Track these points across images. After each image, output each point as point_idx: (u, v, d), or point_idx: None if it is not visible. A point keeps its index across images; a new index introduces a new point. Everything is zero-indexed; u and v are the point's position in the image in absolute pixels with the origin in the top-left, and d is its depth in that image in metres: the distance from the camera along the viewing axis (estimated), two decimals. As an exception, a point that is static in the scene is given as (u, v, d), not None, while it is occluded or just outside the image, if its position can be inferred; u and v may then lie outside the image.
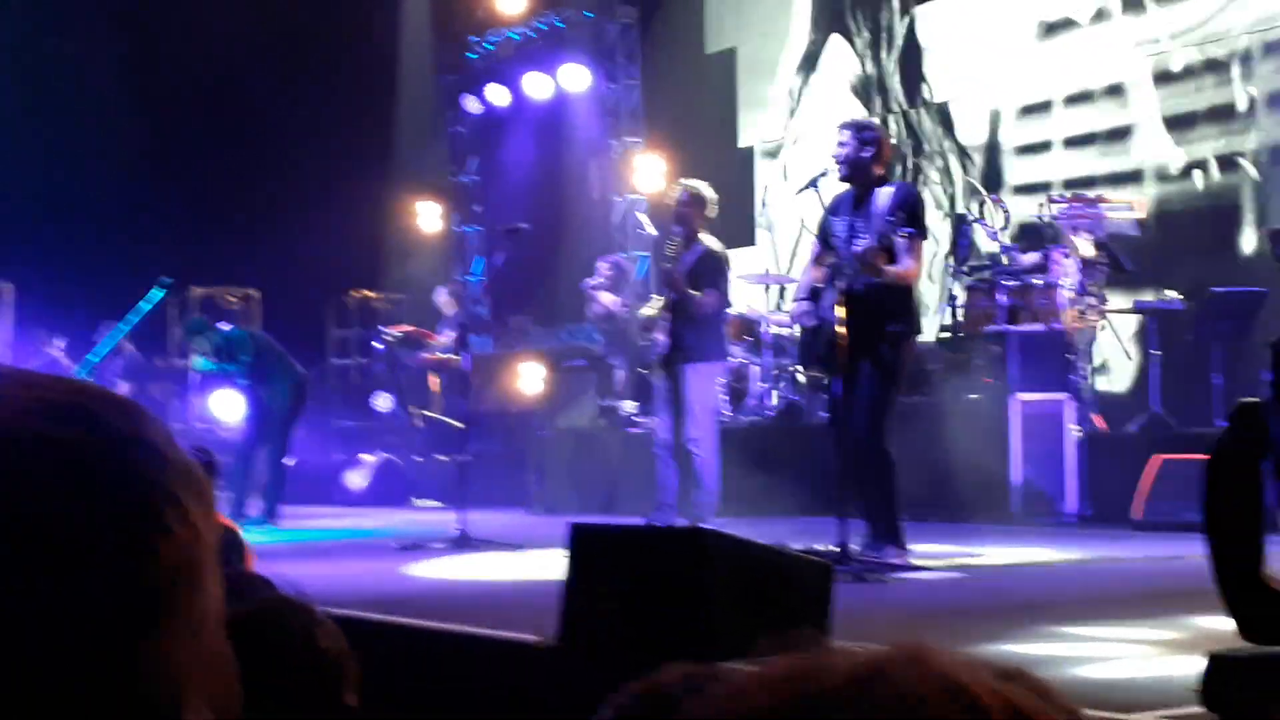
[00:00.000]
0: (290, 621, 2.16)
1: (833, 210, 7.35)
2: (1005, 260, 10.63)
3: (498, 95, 17.28)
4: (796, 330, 11.23)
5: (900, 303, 7.05)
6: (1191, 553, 6.53)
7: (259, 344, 10.87)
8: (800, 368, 10.54)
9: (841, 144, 7.21)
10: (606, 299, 12.86)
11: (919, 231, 6.99)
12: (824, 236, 7.36)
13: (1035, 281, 10.37)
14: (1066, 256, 10.39)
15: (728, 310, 9.70)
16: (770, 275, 12.41)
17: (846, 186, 7.33)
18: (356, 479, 13.91)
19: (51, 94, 16.12)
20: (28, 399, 0.72)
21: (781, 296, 11.96)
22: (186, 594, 0.73)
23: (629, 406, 12.14)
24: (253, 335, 10.92)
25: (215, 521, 0.77)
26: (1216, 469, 3.93)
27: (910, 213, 6.98)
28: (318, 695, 2.13)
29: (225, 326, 10.98)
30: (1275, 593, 3.48)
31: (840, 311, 6.89)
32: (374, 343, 16.62)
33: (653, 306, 9.25)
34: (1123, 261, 10.81)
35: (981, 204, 11.43)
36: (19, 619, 0.68)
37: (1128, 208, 11.53)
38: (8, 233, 15.50)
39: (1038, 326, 9.99)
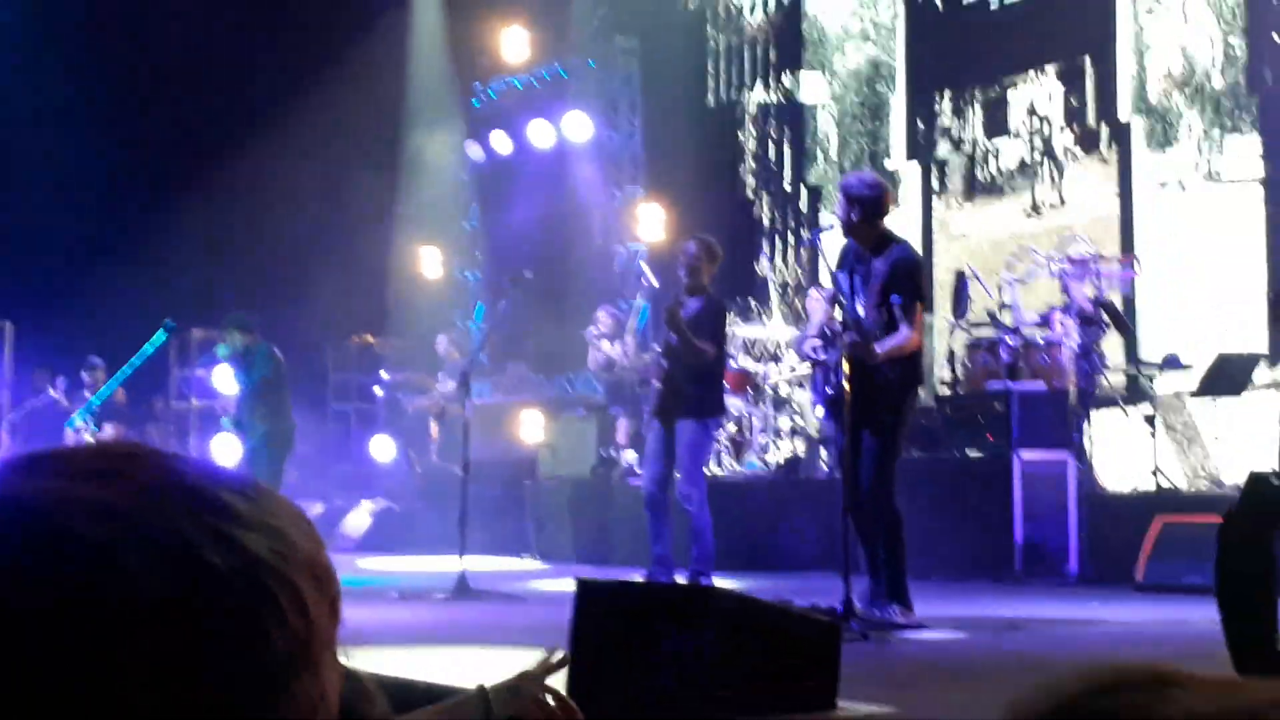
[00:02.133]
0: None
1: (840, 263, 7.33)
2: (1006, 318, 10.67)
3: (501, 143, 17.34)
4: (801, 371, 11.27)
5: (902, 362, 7.04)
6: (1196, 617, 6.54)
7: (278, 371, 10.85)
8: (816, 411, 10.54)
9: (841, 204, 7.22)
10: (607, 348, 12.85)
11: (915, 299, 6.96)
12: (834, 287, 7.36)
13: (1038, 339, 10.39)
14: (1068, 315, 10.42)
15: (728, 363, 9.67)
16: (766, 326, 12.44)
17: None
18: (355, 525, 13.87)
19: (53, 133, 16.15)
20: (164, 482, 0.73)
21: (778, 351, 12.00)
22: (297, 682, 0.73)
23: (629, 457, 12.13)
24: (277, 361, 10.88)
25: (333, 609, 0.77)
26: (1228, 538, 3.93)
27: (906, 279, 6.97)
28: None
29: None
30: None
31: (846, 368, 6.89)
32: (375, 387, 16.61)
33: (650, 357, 9.19)
34: (1124, 321, 10.84)
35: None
36: (135, 702, 0.68)
37: (1127, 266, 11.58)
38: (7, 271, 15.50)
39: (1040, 384, 10.00)
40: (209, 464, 0.78)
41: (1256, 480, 3.84)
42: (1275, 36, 11.57)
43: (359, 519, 13.91)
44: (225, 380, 11.50)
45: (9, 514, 0.70)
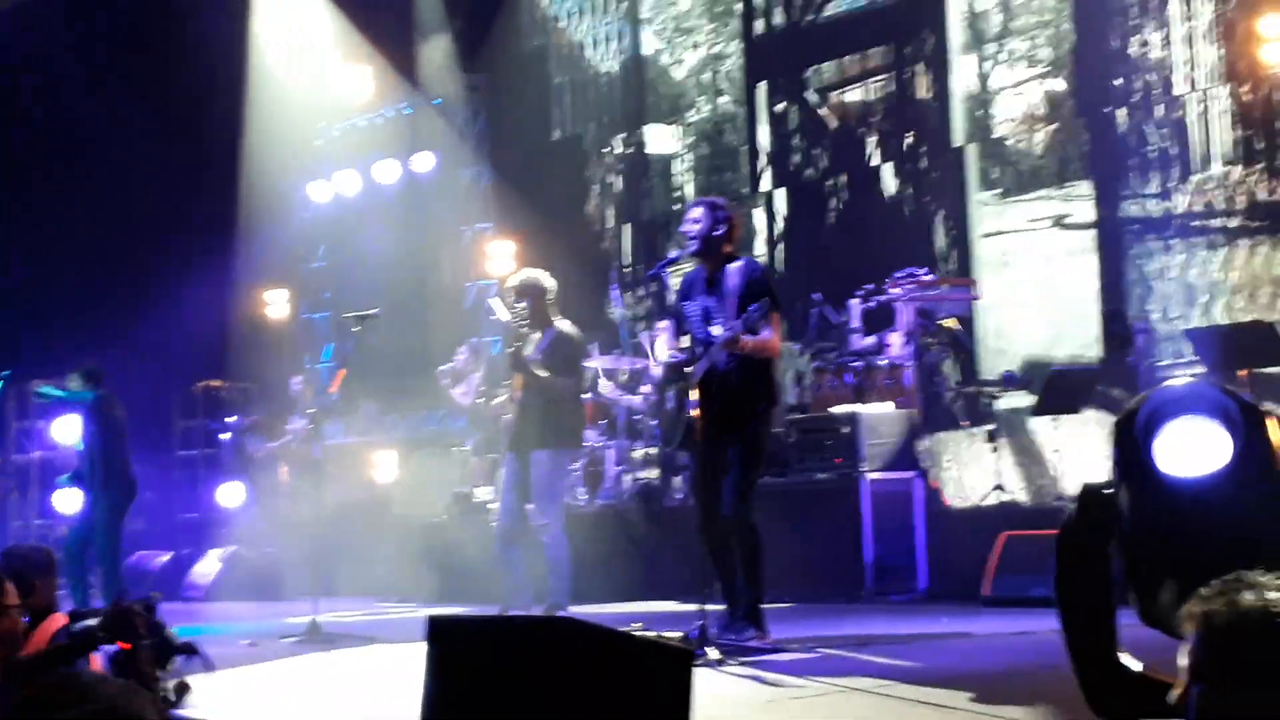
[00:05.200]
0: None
1: (685, 293, 7.41)
2: (850, 342, 10.85)
3: (348, 182, 17.20)
4: (654, 404, 11.33)
5: (760, 377, 7.13)
6: (1040, 628, 6.68)
7: (118, 420, 10.74)
8: (663, 447, 10.59)
9: (695, 220, 7.29)
10: (460, 386, 12.79)
11: (774, 305, 7.06)
12: (678, 319, 7.43)
13: (880, 362, 10.59)
14: (902, 337, 10.63)
15: (582, 395, 9.68)
16: (621, 358, 12.48)
17: (695, 267, 7.41)
18: (204, 573, 13.59)
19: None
20: None
21: (630, 382, 12.06)
22: None
23: (482, 493, 12.06)
24: (115, 409, 10.79)
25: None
26: (1065, 551, 4.01)
27: (762, 287, 7.08)
28: None
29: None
30: (1127, 672, 3.57)
31: (695, 394, 6.93)
32: (221, 433, 16.30)
33: (505, 392, 9.19)
34: (962, 341, 11.09)
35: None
36: None
37: (966, 289, 11.85)
38: None
39: (885, 406, 10.17)
40: None
41: (1088, 492, 3.93)
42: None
43: (208, 567, 13.63)
44: (65, 431, 11.27)
45: None
